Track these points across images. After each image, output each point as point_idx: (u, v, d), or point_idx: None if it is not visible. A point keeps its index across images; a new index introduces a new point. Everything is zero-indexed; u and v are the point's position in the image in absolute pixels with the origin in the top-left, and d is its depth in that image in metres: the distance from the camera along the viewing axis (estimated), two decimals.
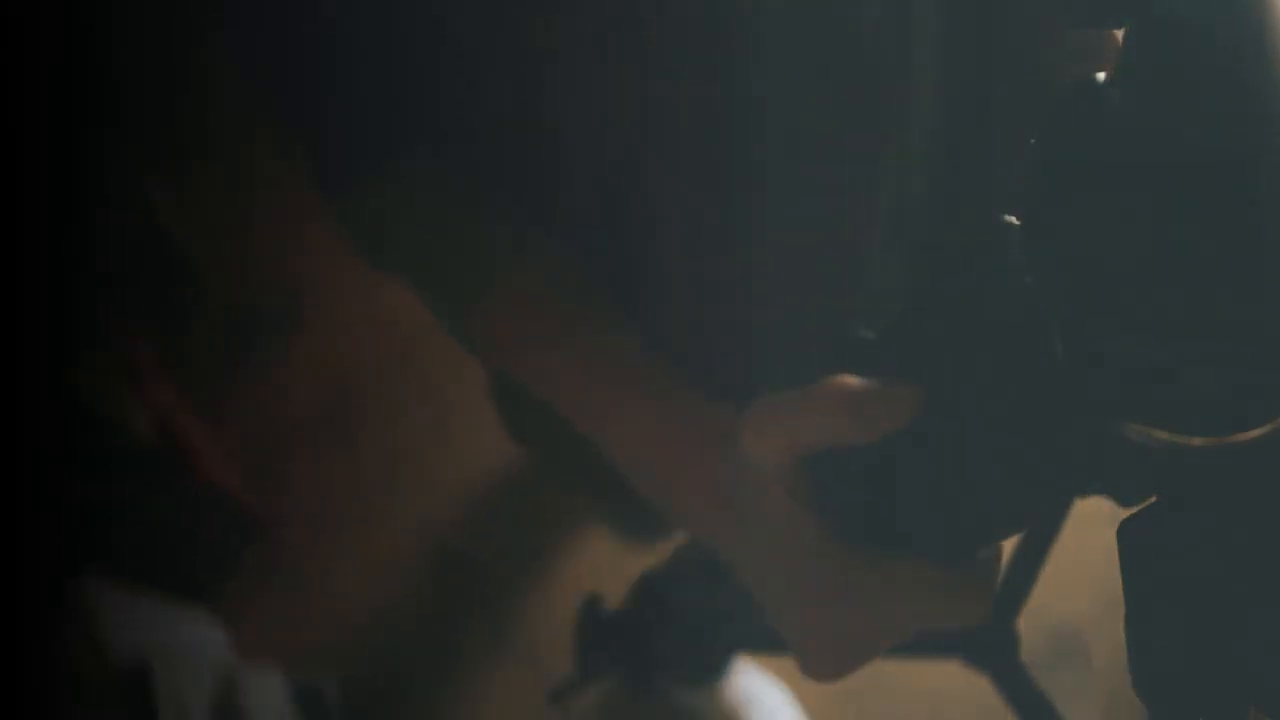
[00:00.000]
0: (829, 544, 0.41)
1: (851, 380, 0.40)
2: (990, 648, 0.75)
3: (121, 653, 1.22)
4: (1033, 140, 0.32)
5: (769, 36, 0.54)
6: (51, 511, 1.33)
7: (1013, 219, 0.36)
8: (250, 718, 1.39)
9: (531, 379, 0.56)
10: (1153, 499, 0.34)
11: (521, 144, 0.57)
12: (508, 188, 0.58)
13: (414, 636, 1.65)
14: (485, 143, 0.57)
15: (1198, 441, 0.31)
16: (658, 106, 0.55)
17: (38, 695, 1.11)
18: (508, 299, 0.55)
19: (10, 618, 1.14)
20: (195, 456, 1.55)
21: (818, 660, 0.43)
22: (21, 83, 1.35)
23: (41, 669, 1.13)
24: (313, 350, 1.83)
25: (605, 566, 1.58)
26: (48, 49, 1.38)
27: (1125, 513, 0.34)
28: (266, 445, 1.78)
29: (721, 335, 0.63)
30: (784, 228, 0.62)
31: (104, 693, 1.19)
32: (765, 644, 0.80)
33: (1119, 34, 0.30)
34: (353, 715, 1.59)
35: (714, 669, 1.21)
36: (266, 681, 1.47)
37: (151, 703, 1.21)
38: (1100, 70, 0.32)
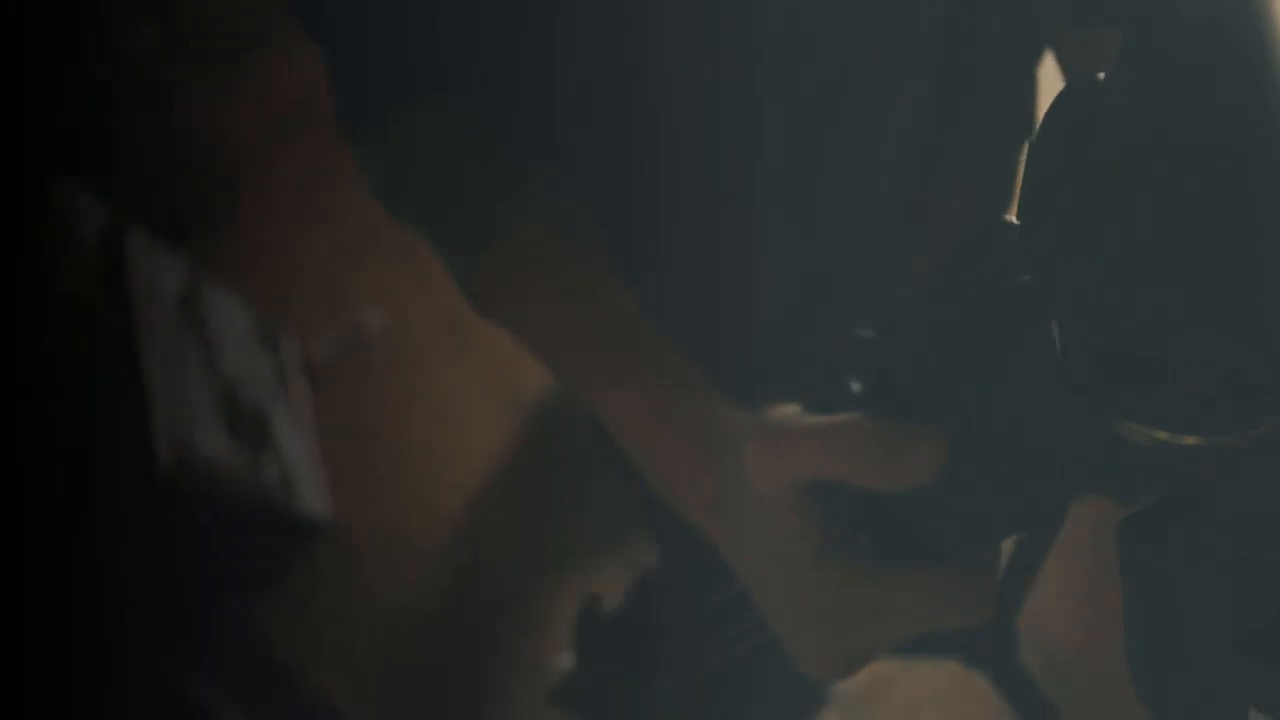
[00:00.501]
0: (829, 548, 0.41)
1: (872, 424, 0.38)
2: (990, 648, 0.75)
3: (98, 241, 1.33)
4: (1032, 139, 0.32)
5: (777, 32, 0.54)
6: (43, 110, 1.48)
7: (1011, 218, 0.36)
8: (212, 318, 1.50)
9: (534, 347, 0.54)
10: (1151, 498, 0.34)
11: (544, 105, 0.55)
12: (528, 147, 0.55)
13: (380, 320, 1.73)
14: (512, 98, 0.55)
15: (1196, 441, 0.31)
16: (670, 90, 0.54)
17: (19, 275, 1.24)
18: (515, 260, 0.53)
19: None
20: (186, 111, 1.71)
21: (818, 663, 0.43)
22: None
23: (24, 254, 1.27)
24: (304, 56, 1.93)
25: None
26: None
27: (1124, 512, 0.34)
28: (255, 127, 1.88)
29: (726, 326, 0.63)
30: (787, 224, 0.62)
31: (81, 270, 1.29)
32: (766, 643, 0.80)
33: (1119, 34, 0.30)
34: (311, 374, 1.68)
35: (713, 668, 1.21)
36: (231, 301, 1.58)
37: (124, 277, 1.31)
38: (1100, 69, 0.32)
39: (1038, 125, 0.32)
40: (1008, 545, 0.54)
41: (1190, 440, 0.31)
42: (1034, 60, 0.62)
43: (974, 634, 0.74)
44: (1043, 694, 0.74)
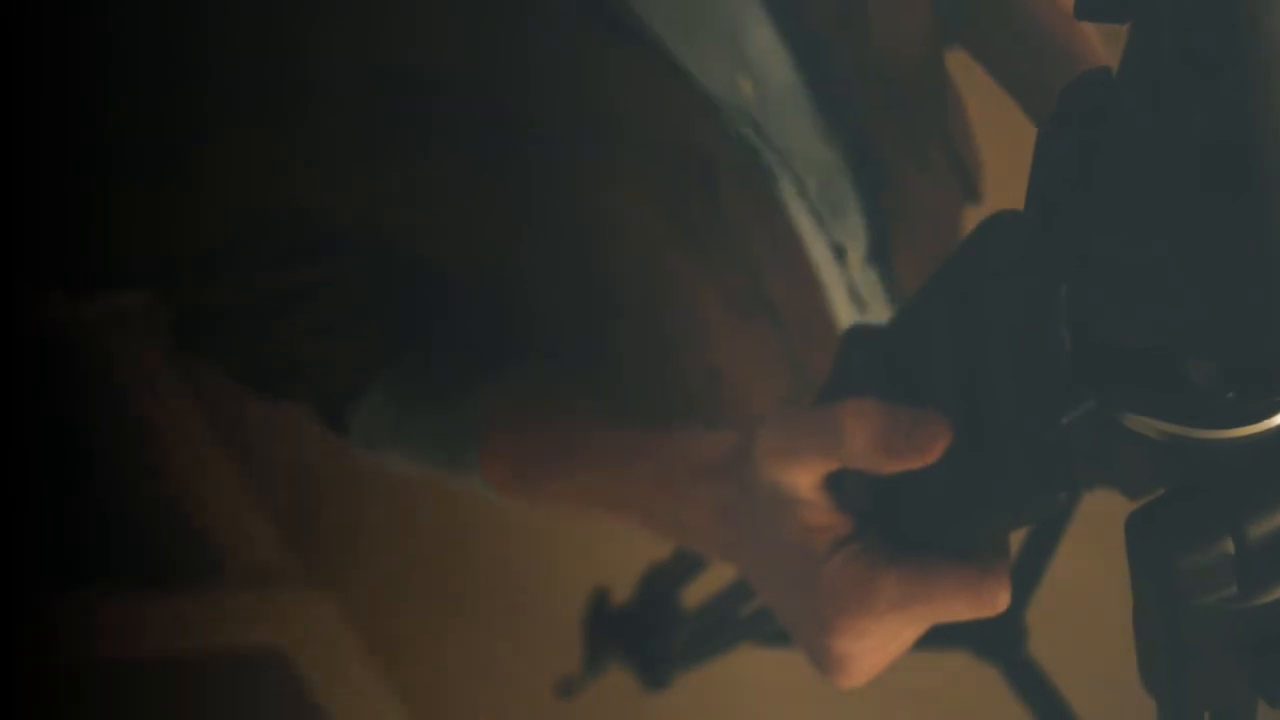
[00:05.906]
0: (842, 542, 0.41)
1: (878, 407, 0.38)
2: (999, 640, 0.75)
3: None
4: (1039, 133, 0.32)
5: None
6: None
7: (1018, 212, 0.36)
8: None
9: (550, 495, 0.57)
10: (1159, 491, 0.34)
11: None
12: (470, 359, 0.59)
13: None
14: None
15: (1204, 434, 0.31)
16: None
17: None
18: (504, 420, 0.56)
19: None
20: None
21: (837, 665, 0.43)
22: None
23: None
24: None
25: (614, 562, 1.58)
26: None
27: (1133, 505, 0.34)
28: None
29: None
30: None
31: None
32: (772, 637, 0.80)
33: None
34: None
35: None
36: None
37: None
38: (1105, 64, 0.32)
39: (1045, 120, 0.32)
40: (1016, 537, 0.54)
41: (1198, 433, 0.31)
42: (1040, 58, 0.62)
43: (983, 626, 0.75)
44: (1051, 684, 0.75)
